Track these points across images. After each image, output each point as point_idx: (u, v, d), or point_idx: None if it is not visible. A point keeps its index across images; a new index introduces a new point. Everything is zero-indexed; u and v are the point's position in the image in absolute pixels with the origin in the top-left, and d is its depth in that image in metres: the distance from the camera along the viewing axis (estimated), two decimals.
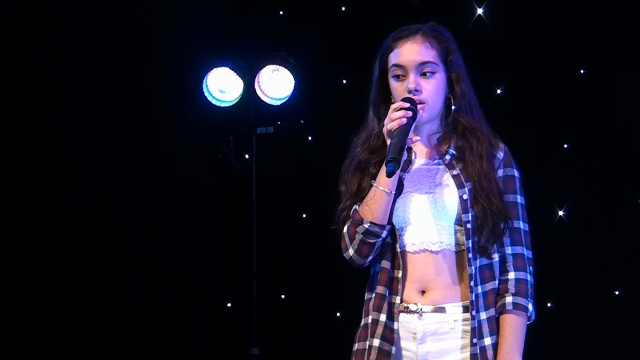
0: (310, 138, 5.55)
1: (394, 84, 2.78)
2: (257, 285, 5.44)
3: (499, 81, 5.09)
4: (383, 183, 2.71)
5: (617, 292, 4.83)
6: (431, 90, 2.75)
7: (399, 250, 2.76)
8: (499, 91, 5.09)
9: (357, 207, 2.77)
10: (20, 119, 5.36)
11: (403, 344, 2.77)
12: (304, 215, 5.62)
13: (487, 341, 2.73)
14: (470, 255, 2.71)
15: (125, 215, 5.59)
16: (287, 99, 5.32)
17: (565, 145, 4.97)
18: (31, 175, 5.37)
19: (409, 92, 2.73)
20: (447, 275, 2.74)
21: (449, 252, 2.74)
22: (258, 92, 5.36)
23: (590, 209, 4.90)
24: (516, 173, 2.82)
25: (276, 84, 5.34)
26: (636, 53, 4.81)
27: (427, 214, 2.74)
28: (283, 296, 5.70)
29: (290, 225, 5.64)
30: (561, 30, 4.90)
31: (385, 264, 2.78)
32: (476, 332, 2.71)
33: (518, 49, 4.98)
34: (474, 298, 2.71)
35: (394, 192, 2.72)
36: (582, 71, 4.91)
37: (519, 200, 2.81)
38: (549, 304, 4.96)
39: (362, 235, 2.74)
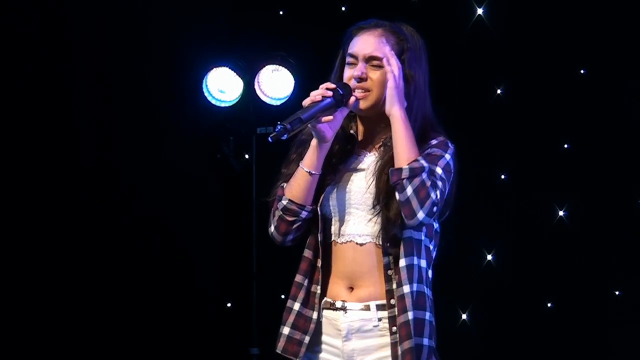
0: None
1: (346, 69, 2.82)
2: (257, 285, 5.44)
3: (499, 81, 5.09)
4: (305, 163, 2.76)
5: (617, 292, 4.84)
6: (377, 80, 2.76)
7: (322, 240, 2.78)
8: (499, 91, 5.10)
9: (284, 185, 2.81)
10: (21, 119, 5.36)
11: (327, 339, 2.78)
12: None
13: (410, 315, 2.68)
14: (387, 244, 2.70)
15: (125, 215, 5.59)
16: (287, 99, 5.32)
17: (565, 145, 4.97)
18: (31, 176, 5.36)
19: (354, 78, 2.76)
20: (374, 271, 2.73)
21: (373, 247, 2.73)
22: (258, 92, 5.36)
23: (590, 209, 4.90)
24: (447, 156, 2.72)
25: (276, 84, 5.34)
26: (636, 53, 4.81)
27: (354, 206, 2.75)
28: (283, 296, 5.70)
29: None
30: (561, 30, 4.90)
31: (308, 253, 2.82)
32: (395, 320, 2.68)
33: (518, 49, 4.98)
34: (392, 287, 2.69)
35: (316, 174, 2.75)
36: (582, 71, 4.91)
37: (446, 157, 2.71)
38: (549, 304, 4.96)
39: (281, 212, 2.78)
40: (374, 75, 2.77)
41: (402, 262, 2.70)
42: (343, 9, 5.47)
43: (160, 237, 5.61)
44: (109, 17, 5.56)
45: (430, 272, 2.79)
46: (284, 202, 2.78)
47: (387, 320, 2.71)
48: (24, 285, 5.33)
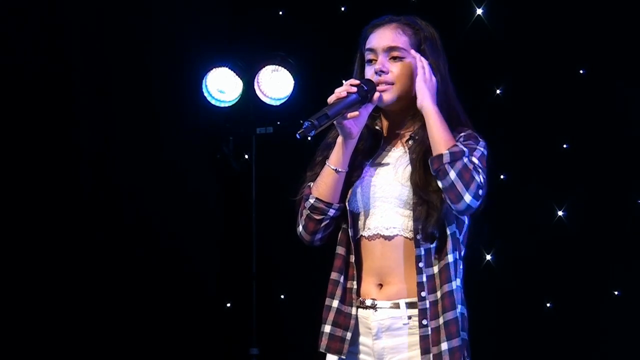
0: (310, 138, 5.54)
1: (366, 68, 2.82)
2: (257, 285, 5.44)
3: (498, 81, 5.09)
4: (331, 161, 2.76)
5: (616, 292, 4.83)
6: (398, 73, 2.76)
7: (352, 235, 2.77)
8: (498, 91, 5.10)
9: (310, 184, 2.82)
10: (21, 119, 5.36)
11: (361, 339, 2.78)
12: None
13: (440, 321, 2.69)
14: (418, 237, 2.70)
15: (125, 215, 5.59)
16: (286, 99, 5.32)
17: (565, 145, 4.97)
18: (31, 176, 5.37)
19: (376, 72, 2.77)
20: (403, 266, 2.72)
21: (402, 239, 2.73)
22: (258, 92, 5.36)
23: (590, 209, 4.90)
24: (480, 147, 2.72)
25: (276, 84, 5.34)
26: (636, 53, 4.81)
27: (382, 199, 2.74)
28: (283, 296, 5.70)
29: (290, 225, 5.63)
30: (561, 30, 4.90)
31: (340, 249, 2.81)
32: (427, 314, 2.69)
33: (518, 49, 4.98)
34: (423, 279, 2.69)
35: (342, 171, 2.75)
36: (581, 71, 4.91)
37: (480, 148, 2.72)
38: (548, 304, 4.96)
39: (308, 211, 2.79)
40: (395, 68, 2.78)
41: (436, 257, 2.71)
42: (343, 9, 5.48)
43: (160, 237, 5.61)
44: (109, 17, 5.57)
45: (461, 265, 2.80)
46: (312, 200, 2.78)
47: (417, 318, 2.70)
48: (24, 285, 5.33)
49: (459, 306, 2.74)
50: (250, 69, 5.37)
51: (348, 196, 2.78)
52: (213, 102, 5.42)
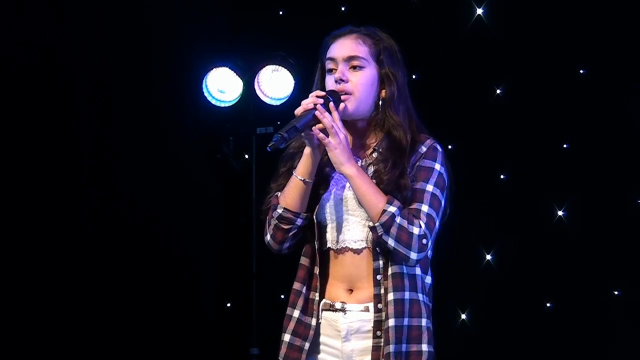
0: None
1: (327, 77, 2.85)
2: (257, 285, 5.44)
3: (499, 81, 5.09)
4: (299, 171, 2.79)
5: (616, 292, 4.83)
6: (358, 82, 2.80)
7: (319, 247, 2.82)
8: (498, 91, 5.10)
9: (278, 194, 2.85)
10: (21, 118, 5.36)
11: (326, 339, 2.82)
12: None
13: (390, 322, 2.72)
14: (378, 249, 2.75)
15: (125, 215, 5.59)
16: (286, 99, 5.32)
17: (565, 145, 4.97)
18: (31, 176, 5.37)
19: (335, 81, 2.80)
20: (371, 275, 2.76)
21: (368, 251, 2.78)
22: (258, 92, 5.36)
23: (590, 209, 4.89)
24: (437, 167, 2.78)
25: (276, 84, 5.34)
26: (636, 53, 4.81)
27: (349, 212, 2.79)
28: (283, 296, 5.70)
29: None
30: (561, 30, 4.90)
31: (304, 260, 2.87)
32: (381, 325, 2.73)
33: (518, 49, 4.98)
34: (380, 291, 2.74)
35: (309, 181, 2.79)
36: (581, 71, 4.91)
37: (426, 188, 2.76)
38: (548, 304, 4.96)
39: (276, 220, 2.83)
40: (355, 77, 2.81)
41: (390, 270, 2.74)
42: (343, 9, 5.48)
43: (161, 237, 5.61)
44: (110, 17, 5.57)
45: (428, 278, 2.82)
46: (279, 210, 2.82)
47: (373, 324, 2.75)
48: (24, 285, 5.33)
49: (424, 320, 2.77)
50: (251, 69, 5.37)
51: (316, 208, 2.82)
52: (213, 102, 5.42)
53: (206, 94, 5.41)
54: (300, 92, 5.32)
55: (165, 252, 5.61)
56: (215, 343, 5.70)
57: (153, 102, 5.60)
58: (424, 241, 2.70)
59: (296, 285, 2.88)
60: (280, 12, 5.65)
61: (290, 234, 2.84)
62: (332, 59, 2.84)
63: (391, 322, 2.71)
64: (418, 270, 2.78)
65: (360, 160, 2.83)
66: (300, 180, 2.79)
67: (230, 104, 5.43)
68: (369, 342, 2.76)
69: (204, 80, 5.40)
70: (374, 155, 2.82)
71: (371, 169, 2.79)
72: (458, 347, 4.99)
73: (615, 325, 4.82)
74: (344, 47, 2.83)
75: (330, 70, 2.84)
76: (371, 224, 2.72)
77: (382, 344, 2.72)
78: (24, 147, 5.36)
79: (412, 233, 2.69)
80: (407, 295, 2.73)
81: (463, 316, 5.09)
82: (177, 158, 5.64)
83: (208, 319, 5.71)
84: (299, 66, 5.31)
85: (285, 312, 2.89)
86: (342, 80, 2.79)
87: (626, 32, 4.82)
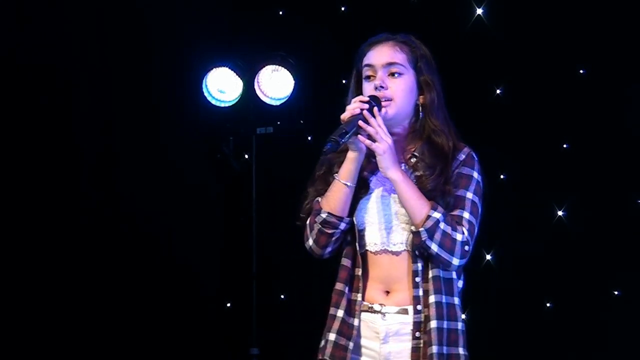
0: (309, 138, 5.56)
1: (364, 84, 2.89)
2: (257, 285, 5.44)
3: (498, 81, 5.09)
4: (342, 175, 2.81)
5: (616, 292, 4.83)
6: (397, 88, 2.84)
7: (358, 249, 2.85)
8: (498, 91, 5.10)
9: (319, 199, 2.88)
10: (21, 119, 5.36)
11: (365, 342, 2.85)
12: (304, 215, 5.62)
13: (432, 324, 2.77)
14: (417, 252, 2.79)
15: (124, 215, 5.59)
16: (286, 99, 5.32)
17: (565, 145, 4.97)
18: (30, 176, 5.37)
19: (375, 88, 2.83)
20: (409, 277, 2.81)
21: (407, 253, 2.82)
22: (258, 92, 5.36)
23: (590, 209, 4.89)
24: (475, 175, 2.85)
25: (276, 84, 5.34)
26: (636, 53, 4.81)
27: (388, 215, 2.83)
28: (283, 296, 5.70)
29: (289, 225, 5.63)
30: (561, 30, 4.90)
31: (346, 261, 2.88)
32: (420, 326, 2.78)
33: (518, 49, 4.98)
34: (419, 293, 2.79)
35: (352, 186, 2.81)
36: (581, 71, 4.91)
37: (467, 195, 2.82)
38: (548, 304, 4.96)
39: (320, 225, 2.85)
40: (394, 84, 2.84)
41: (430, 273, 2.79)
42: (343, 9, 5.47)
43: (160, 237, 5.61)
44: (110, 17, 5.57)
45: (460, 282, 2.89)
46: (323, 215, 2.84)
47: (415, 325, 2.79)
48: (25, 285, 5.33)
49: (460, 323, 2.84)
50: (251, 69, 5.37)
51: (355, 211, 2.85)
52: (213, 102, 5.42)
53: (206, 94, 5.41)
54: (300, 92, 5.32)
55: (165, 252, 5.61)
56: (215, 343, 5.69)
57: (153, 102, 5.60)
58: (466, 247, 2.77)
59: (338, 286, 2.89)
60: (280, 12, 5.65)
61: (334, 238, 2.86)
62: (370, 66, 2.87)
63: (433, 323, 2.76)
64: (454, 275, 2.84)
65: (403, 165, 2.86)
66: (344, 184, 2.81)
67: (230, 104, 5.43)
68: (407, 344, 2.79)
69: (204, 80, 5.40)
70: (412, 160, 2.86)
71: (412, 175, 2.83)
72: None
73: (615, 325, 4.82)
74: (382, 54, 2.86)
75: (369, 77, 2.88)
76: (414, 228, 2.76)
77: (421, 345, 2.76)
78: (24, 148, 5.36)
79: (456, 239, 2.75)
80: (445, 299, 2.79)
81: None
82: (177, 158, 5.63)
83: (208, 319, 5.71)
84: (299, 66, 5.31)
85: (328, 312, 2.92)
86: (382, 87, 2.83)
87: (626, 32, 4.82)
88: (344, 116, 2.77)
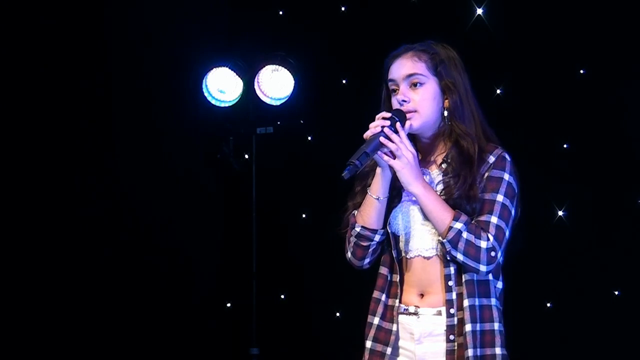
0: (310, 138, 5.56)
1: (392, 99, 2.93)
2: (257, 285, 5.44)
3: (498, 81, 5.09)
4: (373, 190, 2.88)
5: (617, 292, 4.83)
6: (419, 99, 2.87)
7: (395, 256, 2.91)
8: (498, 91, 5.09)
9: (355, 212, 2.94)
10: (21, 118, 5.36)
11: (402, 343, 2.90)
12: (304, 215, 5.62)
13: (467, 328, 2.80)
14: (448, 256, 2.82)
15: (125, 215, 5.59)
16: (286, 99, 5.32)
17: (565, 145, 4.97)
18: (30, 176, 5.37)
19: (399, 102, 2.88)
20: (442, 279, 2.85)
21: (438, 258, 2.86)
22: (258, 92, 5.36)
23: (590, 209, 4.89)
24: (506, 176, 2.87)
25: (276, 84, 5.34)
26: (636, 53, 4.81)
27: (421, 222, 2.87)
28: (283, 296, 5.70)
29: (290, 225, 5.64)
30: (561, 30, 4.90)
31: (383, 269, 2.95)
32: (454, 329, 2.82)
33: (518, 49, 4.98)
34: (452, 297, 2.82)
35: (384, 198, 2.87)
36: (582, 71, 4.91)
37: (497, 199, 2.84)
38: (548, 304, 4.96)
39: (355, 239, 2.92)
40: (417, 95, 2.88)
41: (464, 278, 2.83)
42: (343, 9, 5.47)
43: (160, 237, 5.62)
44: (110, 17, 5.57)
45: (499, 283, 2.92)
46: (357, 229, 2.91)
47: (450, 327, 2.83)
48: (24, 285, 5.33)
49: (497, 324, 2.85)
50: (251, 68, 5.37)
51: (389, 220, 2.91)
52: (213, 102, 5.42)
53: (206, 94, 5.41)
54: (300, 92, 5.32)
55: (165, 252, 5.61)
56: (215, 343, 5.69)
57: (153, 101, 5.60)
58: (493, 253, 2.79)
59: (375, 294, 2.96)
60: (280, 12, 5.65)
61: (370, 250, 2.93)
62: (393, 80, 2.91)
63: (468, 327, 2.79)
64: (490, 276, 2.86)
65: (428, 175, 2.90)
66: (375, 198, 2.87)
67: (230, 104, 5.43)
68: (441, 345, 2.83)
69: (204, 80, 5.40)
70: (444, 166, 2.89)
71: (441, 183, 2.87)
72: None
73: (615, 325, 4.82)
74: (402, 67, 2.89)
75: (394, 91, 2.91)
76: (440, 238, 2.80)
77: (455, 347, 2.80)
78: (23, 148, 5.36)
79: (480, 247, 2.78)
80: (478, 301, 2.82)
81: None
82: (177, 158, 5.64)
83: (208, 319, 5.71)
84: (299, 66, 5.31)
85: (366, 320, 2.97)
86: (405, 101, 2.87)
87: (626, 32, 4.82)
88: (366, 135, 2.81)
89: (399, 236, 2.90)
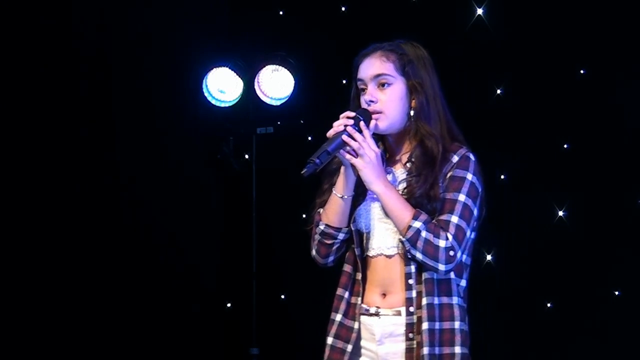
0: (310, 138, 5.56)
1: (361, 97, 2.94)
2: (257, 285, 5.44)
3: (499, 81, 5.09)
4: (337, 188, 2.89)
5: (617, 292, 4.83)
6: (386, 100, 2.87)
7: (358, 254, 2.91)
8: (498, 91, 5.10)
9: (320, 210, 2.96)
10: (21, 119, 5.36)
11: (365, 343, 2.91)
12: (304, 216, 5.62)
13: (424, 326, 2.79)
14: (409, 255, 2.81)
15: (125, 215, 5.59)
16: (287, 99, 5.32)
17: (565, 145, 4.97)
18: (31, 175, 5.37)
19: (366, 102, 2.89)
20: (403, 278, 2.84)
21: (399, 257, 2.86)
22: (258, 92, 5.36)
23: (590, 209, 4.89)
24: (469, 176, 2.84)
25: (276, 84, 5.34)
26: (636, 53, 4.81)
27: (382, 220, 2.87)
28: (283, 296, 5.70)
29: (290, 225, 5.64)
30: (561, 30, 4.90)
31: (347, 267, 2.96)
32: (413, 328, 2.81)
33: (518, 49, 4.98)
34: (412, 295, 2.82)
35: (348, 197, 2.88)
36: (582, 71, 4.91)
37: (458, 198, 2.81)
38: (548, 304, 4.96)
39: (320, 236, 2.94)
40: (384, 95, 2.88)
41: (423, 276, 2.82)
42: (343, 9, 5.47)
43: (160, 237, 5.61)
44: (109, 17, 5.57)
45: (463, 282, 2.90)
46: (322, 227, 2.93)
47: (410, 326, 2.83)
48: (25, 286, 5.33)
49: (457, 322, 2.85)
50: (251, 68, 5.37)
51: (353, 217, 2.91)
52: (213, 102, 5.42)
53: (206, 94, 5.41)
54: (300, 92, 5.32)
55: (165, 252, 5.61)
56: (215, 343, 5.69)
57: (153, 101, 5.60)
58: (451, 253, 2.77)
59: (339, 291, 2.96)
60: (280, 12, 5.65)
61: (334, 248, 2.95)
62: (361, 80, 2.92)
63: (425, 325, 2.78)
64: (452, 275, 2.85)
65: (392, 173, 2.90)
66: (339, 197, 2.88)
67: (230, 104, 5.43)
68: (401, 345, 2.83)
69: (204, 80, 5.40)
70: (408, 165, 2.88)
71: (404, 182, 2.86)
72: None
73: (615, 325, 4.82)
74: (370, 67, 2.90)
75: (363, 90, 2.92)
76: (401, 237, 2.79)
77: (414, 346, 2.80)
78: (22, 148, 5.35)
79: (438, 246, 2.76)
80: (437, 300, 2.81)
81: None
82: (177, 158, 5.64)
83: (208, 319, 5.71)
84: (299, 66, 5.31)
85: (329, 317, 2.98)
86: (372, 102, 2.87)
87: (626, 32, 4.82)
88: (329, 133, 2.83)
89: (362, 234, 2.91)
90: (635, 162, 4.82)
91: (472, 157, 2.87)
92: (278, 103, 5.36)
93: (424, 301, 2.79)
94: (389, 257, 2.86)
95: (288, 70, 5.29)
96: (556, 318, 4.93)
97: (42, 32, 5.42)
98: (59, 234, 5.41)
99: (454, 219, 2.79)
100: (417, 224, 2.75)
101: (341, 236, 2.91)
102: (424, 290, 2.80)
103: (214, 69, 5.39)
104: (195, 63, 5.45)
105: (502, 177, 5.08)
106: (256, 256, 5.45)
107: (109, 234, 5.53)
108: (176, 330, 5.60)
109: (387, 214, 2.83)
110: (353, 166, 2.83)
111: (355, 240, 2.91)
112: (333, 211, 2.89)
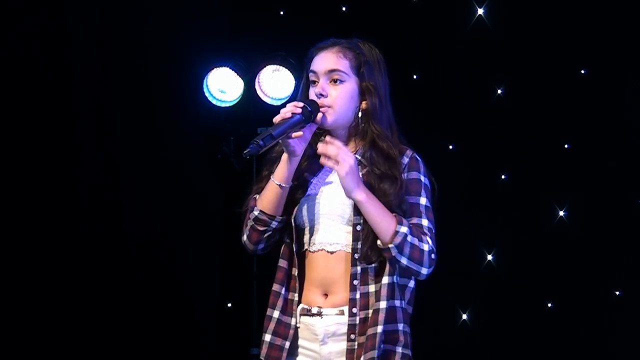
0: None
1: (310, 89, 2.93)
2: (257, 285, 5.44)
3: (499, 81, 5.09)
4: (276, 176, 2.86)
5: (617, 292, 4.84)
6: (337, 96, 2.87)
7: (296, 249, 2.89)
8: (499, 91, 5.10)
9: (256, 196, 2.93)
10: (21, 119, 5.36)
11: (304, 343, 2.88)
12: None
13: (370, 331, 2.77)
14: (356, 255, 2.80)
15: (125, 216, 5.59)
16: (287, 99, 5.32)
17: (566, 145, 4.97)
18: (30, 176, 5.37)
19: (316, 95, 2.87)
20: (346, 278, 2.82)
21: (344, 254, 2.84)
22: (258, 92, 5.36)
23: (590, 209, 4.90)
24: (422, 178, 2.85)
25: (276, 84, 5.34)
26: (636, 53, 4.81)
27: (326, 215, 2.86)
28: None
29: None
30: (561, 30, 4.91)
31: (282, 262, 2.93)
32: (356, 329, 2.79)
33: (518, 49, 4.99)
34: (356, 296, 2.79)
35: (285, 186, 2.85)
36: (582, 71, 4.92)
37: (420, 202, 2.82)
38: (549, 304, 4.96)
39: (253, 222, 2.91)
40: (335, 91, 2.87)
41: (370, 278, 2.79)
42: (343, 9, 5.48)
43: (161, 237, 5.61)
44: (109, 17, 5.57)
45: (412, 282, 2.87)
46: (256, 212, 2.90)
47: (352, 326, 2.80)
48: (26, 288, 5.32)
49: (401, 324, 2.82)
50: (251, 68, 5.37)
51: (294, 212, 2.89)
52: (214, 102, 5.42)
53: (207, 94, 5.41)
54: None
55: (165, 252, 5.61)
56: (215, 343, 5.69)
57: (154, 102, 5.60)
58: (433, 256, 2.78)
59: (275, 287, 2.93)
60: (281, 12, 5.66)
61: (265, 235, 2.92)
62: (314, 72, 2.91)
63: (370, 330, 2.76)
64: (401, 281, 2.83)
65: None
66: (277, 184, 2.86)
67: (231, 103, 5.43)
68: (343, 345, 2.81)
69: (204, 80, 5.40)
70: (366, 166, 2.85)
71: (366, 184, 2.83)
72: (459, 347, 4.99)
73: (615, 325, 4.83)
74: (325, 61, 2.89)
75: (313, 82, 2.91)
76: (381, 244, 2.75)
77: (355, 347, 2.78)
78: (22, 148, 5.35)
79: (423, 250, 2.76)
80: (383, 304, 2.78)
81: (464, 316, 5.10)
82: (177, 158, 5.63)
83: (208, 319, 5.71)
84: (300, 66, 5.31)
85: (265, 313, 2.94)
86: (322, 95, 2.86)
87: (626, 32, 4.82)
88: (276, 119, 2.81)
89: (303, 228, 2.89)
90: (635, 162, 4.83)
91: (419, 158, 2.88)
92: (279, 103, 5.36)
93: (370, 304, 2.78)
94: (331, 253, 2.84)
95: (289, 70, 5.30)
96: (556, 318, 4.93)
97: (42, 32, 5.42)
98: (58, 234, 5.40)
99: (425, 222, 2.80)
100: (404, 229, 2.73)
101: (274, 224, 2.88)
102: (370, 292, 2.79)
103: (215, 69, 5.39)
104: (195, 63, 5.45)
105: (503, 177, 5.08)
106: (256, 256, 5.45)
107: (109, 234, 5.53)
108: (176, 331, 5.60)
109: (331, 209, 2.82)
110: (295, 156, 2.82)
111: (294, 235, 2.88)
112: (269, 199, 2.86)
